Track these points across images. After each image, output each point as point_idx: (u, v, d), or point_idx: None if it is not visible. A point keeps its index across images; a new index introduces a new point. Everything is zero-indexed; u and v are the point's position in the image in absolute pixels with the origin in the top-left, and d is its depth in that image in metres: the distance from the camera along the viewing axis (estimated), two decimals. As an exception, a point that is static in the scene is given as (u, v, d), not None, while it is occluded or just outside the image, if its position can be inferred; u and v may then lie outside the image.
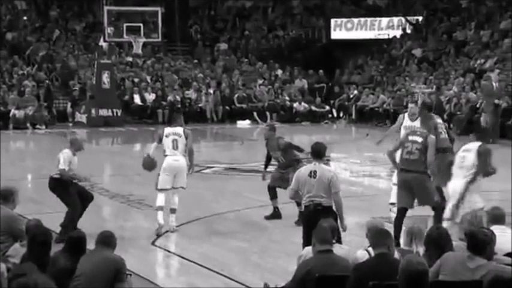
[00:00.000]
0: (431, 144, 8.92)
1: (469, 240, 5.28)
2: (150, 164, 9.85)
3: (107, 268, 5.56)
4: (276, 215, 10.33)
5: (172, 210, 9.61)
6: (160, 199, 9.58)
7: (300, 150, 10.58)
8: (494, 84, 20.61)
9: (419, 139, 8.92)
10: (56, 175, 9.50)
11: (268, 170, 10.72)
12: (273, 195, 10.36)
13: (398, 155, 11.25)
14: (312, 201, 7.47)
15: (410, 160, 8.85)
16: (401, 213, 8.80)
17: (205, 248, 8.94)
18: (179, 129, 9.71)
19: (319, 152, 7.74)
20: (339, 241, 6.81)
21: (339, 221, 7.35)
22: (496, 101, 20.18)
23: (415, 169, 8.79)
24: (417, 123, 10.96)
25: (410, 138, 9.01)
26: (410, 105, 11.59)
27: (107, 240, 5.78)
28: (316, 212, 7.36)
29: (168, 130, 9.71)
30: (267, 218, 10.32)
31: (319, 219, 6.51)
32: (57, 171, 9.47)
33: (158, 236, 9.35)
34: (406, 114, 11.24)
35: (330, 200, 7.48)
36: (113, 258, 5.69)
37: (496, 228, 5.99)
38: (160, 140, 9.68)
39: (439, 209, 8.63)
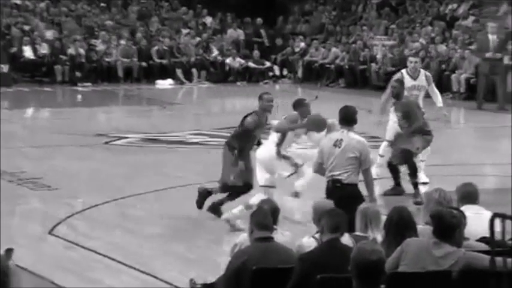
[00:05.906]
0: None
1: (435, 224, 5.41)
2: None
3: None
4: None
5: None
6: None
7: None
8: (490, 37, 19.88)
9: None
10: None
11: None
12: None
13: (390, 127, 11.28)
14: (332, 176, 7.54)
15: None
16: None
17: (115, 236, 8.94)
18: None
19: (347, 117, 7.74)
20: None
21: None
22: (488, 55, 19.42)
23: None
24: (421, 82, 11.00)
25: None
26: (411, 59, 11.48)
27: None
28: (334, 190, 7.44)
29: None
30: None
31: (339, 200, 6.57)
32: None
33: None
34: (404, 72, 11.19)
35: (353, 175, 7.52)
36: None
37: (467, 209, 6.14)
38: None
39: None
